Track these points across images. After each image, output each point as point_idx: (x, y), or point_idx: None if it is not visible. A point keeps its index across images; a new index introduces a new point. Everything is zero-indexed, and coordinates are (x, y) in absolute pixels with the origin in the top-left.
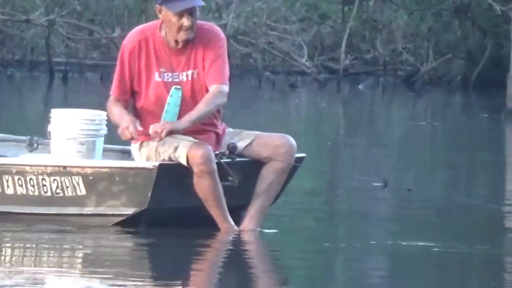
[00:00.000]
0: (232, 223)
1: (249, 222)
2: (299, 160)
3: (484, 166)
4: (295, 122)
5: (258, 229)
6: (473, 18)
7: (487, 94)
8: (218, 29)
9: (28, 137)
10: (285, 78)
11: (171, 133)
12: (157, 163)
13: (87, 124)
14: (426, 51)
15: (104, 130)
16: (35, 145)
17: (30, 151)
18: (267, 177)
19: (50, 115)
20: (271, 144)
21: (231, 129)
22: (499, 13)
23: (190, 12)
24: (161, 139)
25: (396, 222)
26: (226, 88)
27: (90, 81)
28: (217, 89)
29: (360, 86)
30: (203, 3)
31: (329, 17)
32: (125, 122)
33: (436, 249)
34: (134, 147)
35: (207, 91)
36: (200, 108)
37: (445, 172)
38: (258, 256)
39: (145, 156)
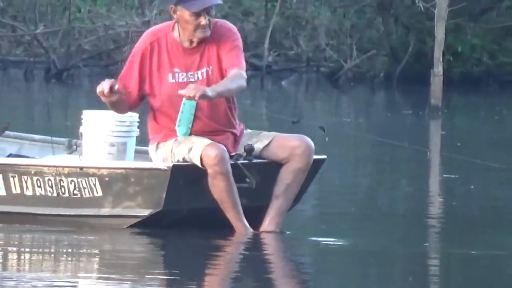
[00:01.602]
0: (247, 224)
1: (268, 223)
2: (320, 162)
3: (408, 162)
4: None
5: (278, 230)
6: (396, 14)
7: (410, 91)
8: (231, 25)
9: (67, 139)
10: None
11: (203, 97)
12: (171, 164)
13: (118, 126)
14: (349, 48)
15: (135, 132)
16: (74, 147)
17: (70, 153)
18: (285, 178)
19: (82, 116)
20: (288, 145)
21: (249, 130)
22: (422, 9)
23: (208, 11)
24: (197, 100)
25: (323, 220)
26: (245, 73)
27: (13, 78)
28: (238, 71)
29: (283, 83)
30: (220, 1)
31: (252, 13)
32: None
33: (358, 245)
34: (151, 148)
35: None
36: (226, 83)
37: (370, 167)
38: (276, 259)
39: (162, 157)
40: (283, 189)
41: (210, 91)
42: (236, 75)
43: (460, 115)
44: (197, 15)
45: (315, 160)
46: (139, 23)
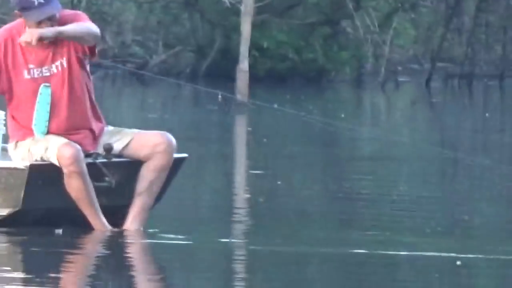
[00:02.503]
0: (105, 222)
1: (132, 221)
2: (181, 160)
3: (213, 158)
4: None
5: (142, 228)
6: (202, 10)
7: (216, 86)
8: (79, 12)
9: None
10: None
11: (41, 39)
12: (28, 163)
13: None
14: (155, 44)
15: (2, 130)
16: None
17: None
18: (148, 175)
19: None
20: (149, 143)
21: (110, 128)
22: (229, 5)
23: (49, 18)
24: (35, 43)
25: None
26: (97, 29)
27: None
28: (89, 23)
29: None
30: (57, 11)
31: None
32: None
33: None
34: (10, 147)
35: (78, 75)
36: (72, 26)
37: None
38: (136, 257)
39: (20, 156)
40: (146, 186)
41: (48, 31)
42: (87, 24)
43: (267, 111)
44: (39, 23)
45: (177, 159)
46: None
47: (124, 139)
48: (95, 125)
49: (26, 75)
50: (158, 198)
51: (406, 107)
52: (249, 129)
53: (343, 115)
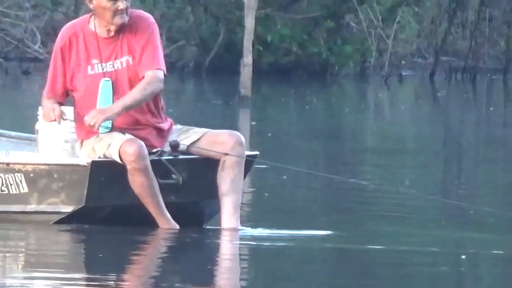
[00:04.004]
0: (170, 218)
1: (229, 220)
2: (251, 158)
3: None
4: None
5: (239, 226)
6: (206, 4)
7: (220, 81)
8: (147, 15)
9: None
10: (18, 65)
11: (106, 120)
12: (90, 160)
13: (72, 122)
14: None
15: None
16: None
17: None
18: (227, 173)
19: (38, 112)
20: (218, 140)
21: (179, 126)
22: (232, 0)
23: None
24: (96, 130)
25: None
26: (161, 73)
27: None
28: (152, 74)
29: None
30: None
31: (61, 3)
32: (50, 104)
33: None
34: (76, 146)
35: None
36: (134, 94)
37: None
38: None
39: (86, 155)
40: (229, 184)
41: (111, 111)
42: (148, 81)
43: (270, 105)
44: (114, 0)
45: (247, 156)
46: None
47: (193, 137)
48: (162, 122)
49: (90, 71)
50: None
51: (409, 101)
52: (253, 123)
53: (347, 109)
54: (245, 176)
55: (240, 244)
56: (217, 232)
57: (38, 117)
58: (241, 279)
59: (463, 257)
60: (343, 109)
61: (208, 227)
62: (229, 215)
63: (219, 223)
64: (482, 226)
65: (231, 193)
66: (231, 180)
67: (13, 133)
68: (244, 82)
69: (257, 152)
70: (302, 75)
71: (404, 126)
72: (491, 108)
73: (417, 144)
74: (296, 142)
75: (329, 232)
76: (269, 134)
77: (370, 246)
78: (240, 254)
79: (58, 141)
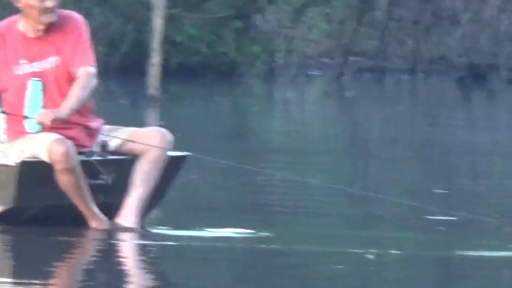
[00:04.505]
0: (100, 215)
1: (127, 214)
2: (182, 158)
3: None
4: None
5: (137, 221)
6: (114, 4)
7: (129, 81)
8: (77, 15)
9: None
10: None
11: (55, 119)
12: (19, 160)
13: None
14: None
15: None
16: None
17: None
18: (143, 167)
19: None
20: (144, 138)
21: (108, 126)
22: (141, 0)
23: None
24: (48, 126)
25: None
26: (94, 69)
27: None
28: (86, 71)
29: None
30: None
31: None
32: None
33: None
34: (7, 147)
35: (72, 75)
36: (77, 93)
37: None
38: (130, 251)
39: (16, 155)
40: (142, 178)
41: (61, 113)
42: (85, 77)
43: (179, 105)
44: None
45: (177, 158)
46: None
47: (122, 136)
48: (91, 122)
49: (18, 71)
50: (160, 197)
51: (318, 101)
52: (162, 123)
53: (255, 109)
54: (174, 177)
55: (142, 244)
56: (128, 233)
57: None
58: (142, 280)
59: (371, 256)
60: (251, 109)
61: (160, 226)
62: (129, 209)
63: (119, 213)
64: (393, 225)
65: (140, 185)
66: (144, 173)
67: None
68: (153, 82)
69: (187, 153)
70: (210, 75)
71: (312, 126)
72: (399, 108)
73: (324, 144)
74: (205, 142)
75: (237, 231)
76: (179, 135)
77: (276, 246)
78: (145, 255)
79: None
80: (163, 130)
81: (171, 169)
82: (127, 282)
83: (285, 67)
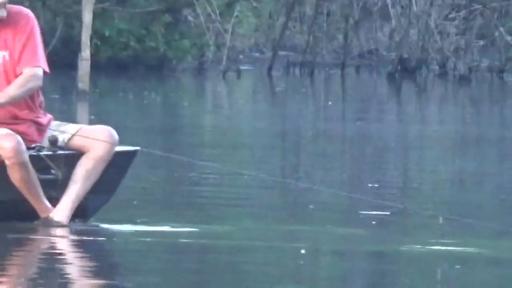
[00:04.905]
0: (49, 206)
1: (62, 210)
2: (132, 153)
3: None
4: None
5: (70, 217)
6: None
7: (58, 75)
8: (27, 11)
9: None
10: None
11: None
12: None
13: None
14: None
15: None
16: None
17: None
18: (85, 164)
19: None
20: (90, 135)
21: (57, 122)
22: None
23: None
24: None
25: None
26: (40, 71)
27: None
28: (30, 72)
29: None
30: None
31: None
32: None
33: None
34: None
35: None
36: (10, 91)
37: None
38: (66, 248)
39: None
40: (82, 175)
41: (3, 98)
42: (26, 78)
43: (109, 99)
44: None
45: (128, 152)
46: None
47: (70, 131)
48: (40, 117)
49: None
50: (111, 192)
51: (248, 96)
52: (92, 117)
53: (186, 104)
54: (125, 172)
55: (77, 240)
56: (88, 228)
57: None
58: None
59: (303, 251)
60: (181, 104)
61: (93, 222)
62: (64, 204)
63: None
64: (323, 220)
65: (78, 183)
66: (86, 170)
67: None
68: (82, 77)
69: (137, 148)
70: (140, 70)
71: (242, 120)
72: (330, 103)
73: (255, 138)
74: (135, 136)
75: (168, 227)
76: None
77: (206, 241)
78: (80, 250)
79: None
80: (110, 129)
81: (122, 164)
82: (65, 278)
83: (215, 61)
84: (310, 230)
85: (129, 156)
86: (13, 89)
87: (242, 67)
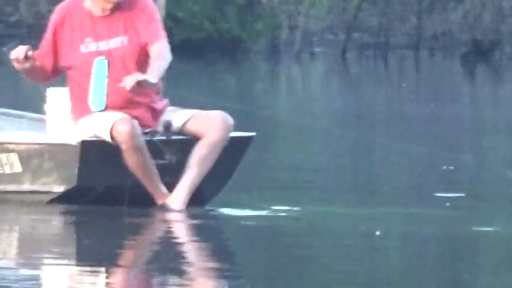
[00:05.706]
0: (165, 190)
1: (178, 196)
2: (248, 139)
3: None
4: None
5: (186, 203)
6: None
7: None
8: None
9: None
10: None
11: (143, 83)
12: (80, 139)
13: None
14: None
15: None
16: None
17: None
18: (200, 150)
19: (46, 94)
20: (206, 120)
21: (172, 107)
22: None
23: None
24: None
25: None
26: (168, 45)
27: None
28: (163, 45)
29: (4, 49)
30: None
31: None
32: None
33: None
34: (71, 126)
35: (139, 56)
36: (158, 63)
37: None
38: (185, 234)
39: (80, 134)
40: (197, 161)
41: (152, 78)
42: (163, 49)
43: (184, 83)
44: None
45: (243, 138)
46: None
47: (183, 117)
48: (156, 102)
49: (84, 49)
50: (227, 178)
51: (322, 78)
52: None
53: (260, 86)
54: (241, 157)
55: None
56: (214, 215)
57: (46, 98)
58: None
59: (377, 233)
60: (255, 86)
61: (208, 208)
62: (180, 191)
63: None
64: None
65: (193, 169)
66: (200, 156)
67: (24, 113)
68: None
69: (253, 133)
70: (214, 52)
71: (317, 102)
72: (404, 85)
73: (330, 120)
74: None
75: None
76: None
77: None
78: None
79: (65, 121)
80: (224, 114)
81: (237, 150)
82: (187, 263)
83: (289, 43)
84: (383, 212)
85: (244, 141)
86: (159, 62)
87: (315, 49)
